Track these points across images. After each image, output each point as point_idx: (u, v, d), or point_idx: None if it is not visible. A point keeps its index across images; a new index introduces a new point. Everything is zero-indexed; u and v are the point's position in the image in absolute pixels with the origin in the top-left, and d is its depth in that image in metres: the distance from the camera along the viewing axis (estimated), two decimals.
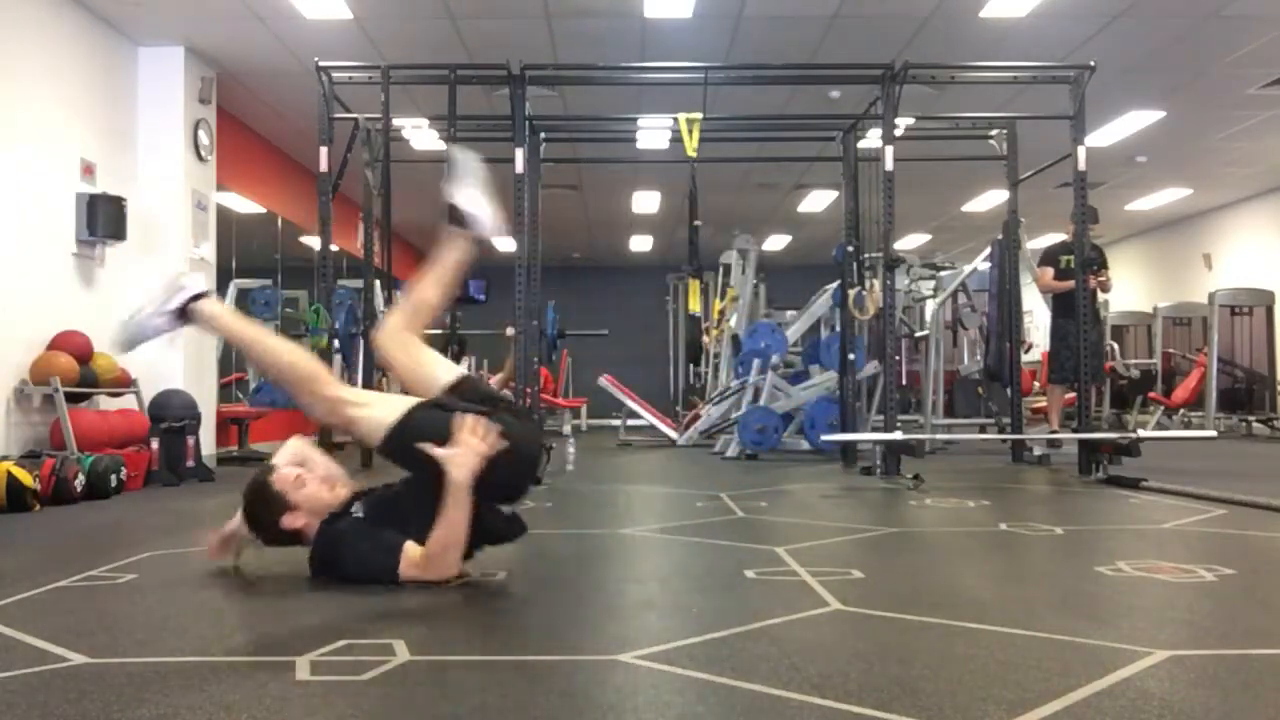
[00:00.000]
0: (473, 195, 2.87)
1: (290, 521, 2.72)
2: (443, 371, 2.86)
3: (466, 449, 2.50)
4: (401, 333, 2.90)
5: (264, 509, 2.76)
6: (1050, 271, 6.95)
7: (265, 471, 2.84)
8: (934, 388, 8.74)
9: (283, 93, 7.96)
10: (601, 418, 13.31)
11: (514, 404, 3.08)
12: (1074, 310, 6.44)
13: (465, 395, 2.76)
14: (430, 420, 2.59)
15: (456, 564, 2.58)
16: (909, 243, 14.70)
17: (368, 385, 7.07)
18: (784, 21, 6.76)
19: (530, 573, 3.04)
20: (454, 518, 2.51)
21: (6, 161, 5.58)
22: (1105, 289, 7.02)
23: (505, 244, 6.25)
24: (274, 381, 2.85)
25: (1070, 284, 6.57)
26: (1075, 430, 6.30)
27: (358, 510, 2.72)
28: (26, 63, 5.78)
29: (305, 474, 2.79)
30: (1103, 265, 6.88)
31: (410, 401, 2.71)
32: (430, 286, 2.93)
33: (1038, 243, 10.53)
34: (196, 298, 2.74)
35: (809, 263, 16.02)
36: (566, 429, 12.02)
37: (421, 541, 2.55)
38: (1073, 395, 6.88)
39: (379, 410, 2.68)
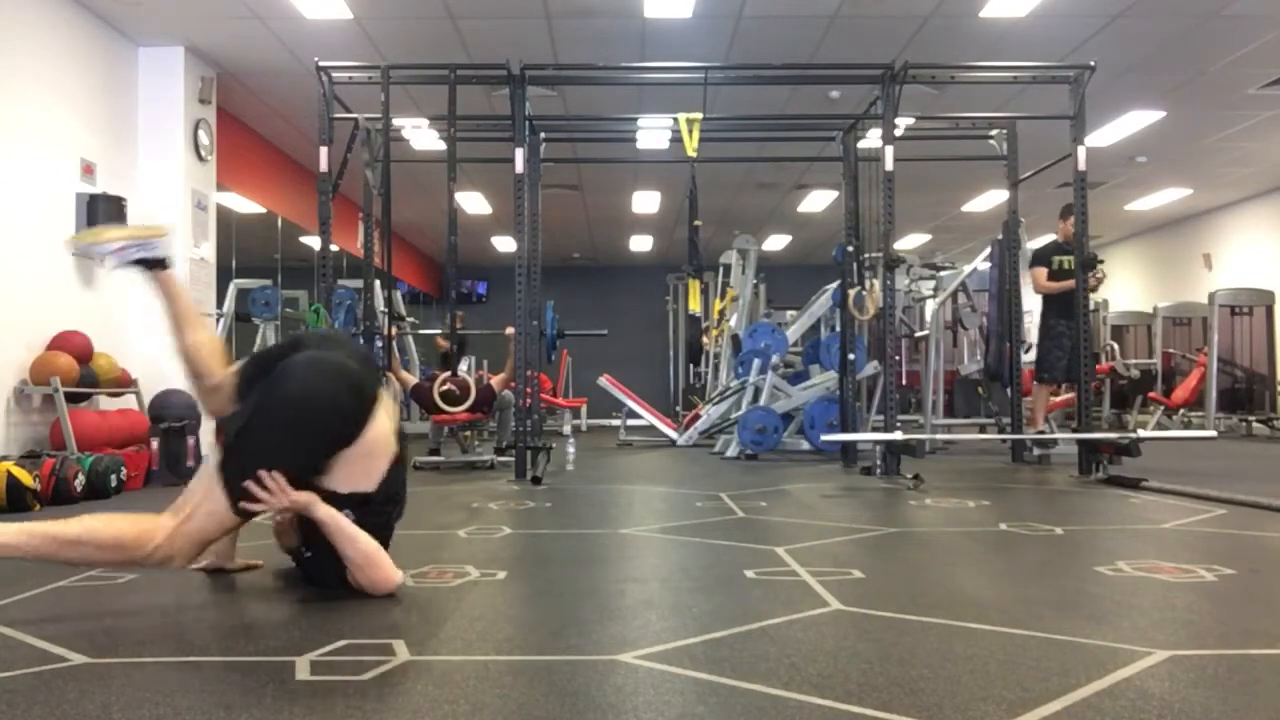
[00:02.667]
0: (108, 245, 2.65)
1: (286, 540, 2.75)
2: (228, 383, 2.66)
3: (279, 501, 2.43)
4: (209, 394, 2.71)
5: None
6: (1044, 272, 6.94)
7: None
8: (934, 388, 8.74)
9: (283, 93, 7.96)
10: (601, 418, 13.31)
11: (297, 340, 2.76)
12: (1066, 310, 6.44)
13: (249, 376, 2.60)
14: (236, 476, 2.46)
15: (389, 577, 2.50)
16: (909, 243, 14.71)
17: None
18: (784, 21, 6.76)
19: (530, 573, 3.04)
20: (346, 550, 2.46)
21: (6, 161, 5.58)
22: (1092, 288, 7.02)
23: (505, 244, 6.24)
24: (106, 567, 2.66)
25: (1067, 284, 6.57)
26: (1075, 430, 6.30)
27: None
28: (27, 62, 5.78)
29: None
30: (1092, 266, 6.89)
31: (210, 470, 2.51)
32: (180, 335, 2.76)
33: (1038, 243, 10.51)
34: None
35: (809, 263, 16.06)
36: (566, 429, 12.03)
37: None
38: (1068, 396, 6.88)
39: (203, 504, 2.50)
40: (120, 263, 2.64)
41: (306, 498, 2.45)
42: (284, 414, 2.48)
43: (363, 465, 2.53)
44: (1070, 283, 6.52)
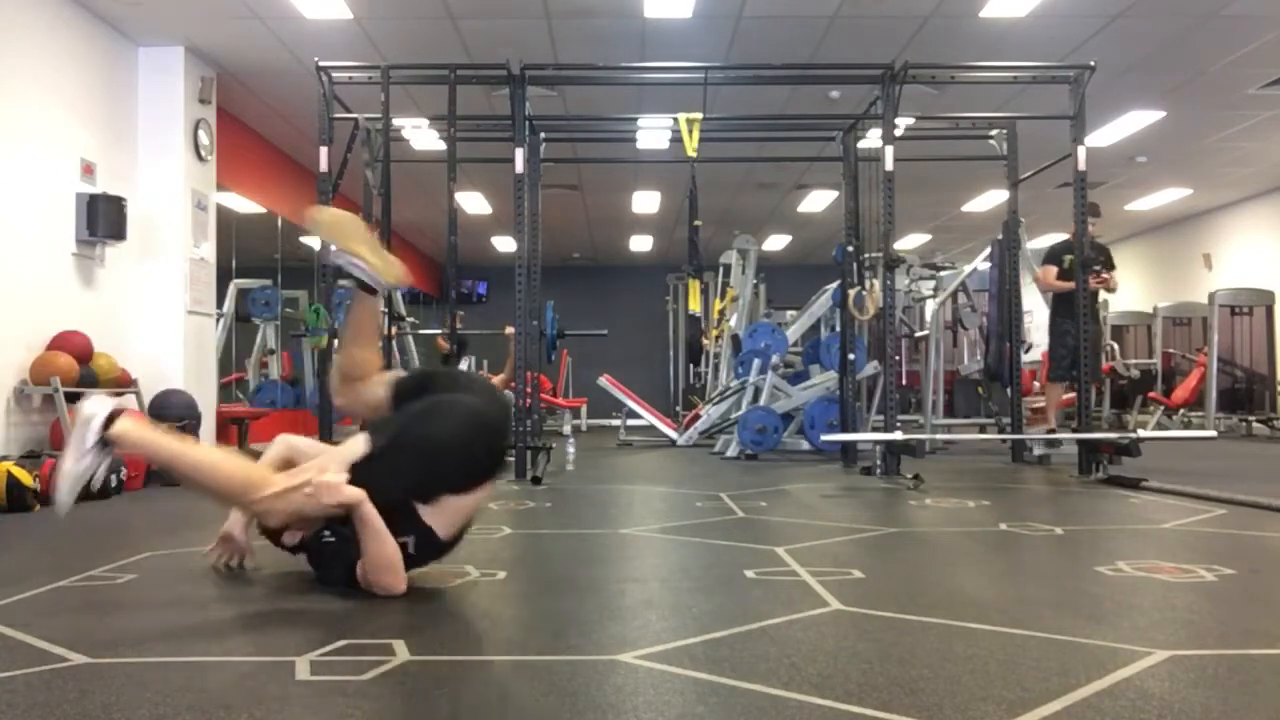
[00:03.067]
0: (346, 256, 2.78)
1: (289, 539, 2.76)
2: (381, 389, 2.86)
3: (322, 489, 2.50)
4: (346, 386, 2.92)
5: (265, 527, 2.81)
6: (1053, 270, 6.93)
7: None
8: (934, 388, 8.74)
9: (283, 93, 7.96)
10: (601, 417, 13.31)
11: (458, 376, 2.97)
12: (1072, 309, 6.44)
13: (403, 395, 2.78)
14: (359, 482, 2.55)
15: (398, 584, 2.53)
16: (909, 243, 14.70)
17: None
18: (784, 21, 6.76)
19: (530, 573, 3.04)
20: (371, 547, 2.51)
21: (6, 161, 5.58)
22: (1109, 289, 7.00)
23: (505, 244, 6.24)
24: (210, 499, 2.74)
25: (1071, 285, 6.57)
26: (1075, 430, 6.30)
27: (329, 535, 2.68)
28: (26, 62, 5.78)
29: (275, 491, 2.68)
30: (1109, 265, 6.87)
31: (343, 459, 2.63)
32: (351, 344, 2.92)
33: (1038, 243, 10.52)
34: (109, 421, 2.54)
35: (809, 263, 16.06)
36: (566, 429, 12.03)
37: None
38: (1072, 395, 6.88)
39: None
40: (342, 268, 2.80)
41: (358, 495, 2.49)
42: (430, 450, 2.61)
43: (453, 513, 2.64)
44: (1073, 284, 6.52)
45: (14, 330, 5.56)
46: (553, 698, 1.73)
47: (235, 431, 7.89)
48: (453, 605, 2.47)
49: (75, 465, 2.51)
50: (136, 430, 2.60)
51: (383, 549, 2.50)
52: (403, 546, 2.56)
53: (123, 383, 6.17)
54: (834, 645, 2.08)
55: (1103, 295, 7.42)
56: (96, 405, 2.57)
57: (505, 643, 2.15)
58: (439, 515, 2.60)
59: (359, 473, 2.56)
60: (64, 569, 2.95)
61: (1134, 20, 6.67)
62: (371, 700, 1.70)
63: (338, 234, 2.80)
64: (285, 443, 2.95)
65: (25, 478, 4.58)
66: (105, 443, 2.54)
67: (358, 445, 2.66)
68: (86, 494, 4.91)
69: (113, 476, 5.23)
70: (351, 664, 1.92)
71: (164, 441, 2.64)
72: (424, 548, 2.62)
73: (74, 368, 5.65)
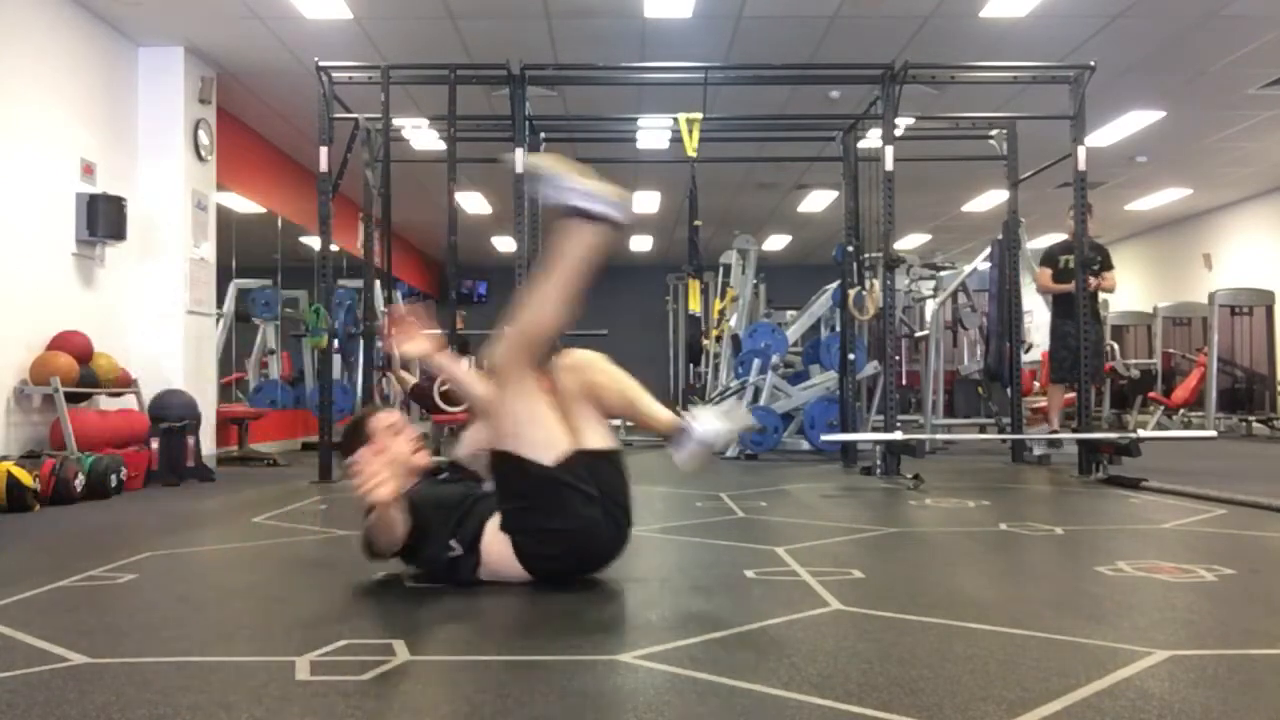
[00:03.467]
0: (578, 189, 2.46)
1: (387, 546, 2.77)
2: (595, 437, 2.66)
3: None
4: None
5: (351, 438, 2.85)
6: (1049, 272, 6.93)
7: (370, 409, 3.00)
8: (934, 388, 8.74)
9: (283, 93, 7.96)
10: None
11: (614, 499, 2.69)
12: (1072, 310, 6.44)
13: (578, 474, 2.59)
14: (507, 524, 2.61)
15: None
16: (909, 243, 14.70)
17: (367, 385, 7.09)
18: (784, 21, 6.76)
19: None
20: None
21: (6, 161, 5.58)
22: (1106, 289, 6.98)
23: (505, 244, 6.24)
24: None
25: (1068, 287, 6.57)
26: (1075, 430, 6.30)
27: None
28: (26, 62, 5.78)
29: (400, 426, 2.87)
30: (1106, 265, 6.87)
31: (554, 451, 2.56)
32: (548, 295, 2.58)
33: (1038, 243, 10.52)
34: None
35: (809, 263, 16.05)
36: None
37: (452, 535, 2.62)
38: (1072, 395, 6.88)
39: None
40: (569, 204, 2.44)
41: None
42: (548, 534, 2.58)
43: (495, 565, 2.64)
44: (1070, 286, 6.52)
45: (14, 330, 5.56)
46: (553, 698, 1.73)
47: (235, 432, 7.89)
48: (453, 605, 2.47)
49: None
50: None
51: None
52: (451, 550, 2.61)
53: (122, 383, 6.17)
54: (834, 645, 2.08)
55: (1102, 296, 7.40)
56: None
57: (505, 643, 2.15)
58: (491, 550, 2.60)
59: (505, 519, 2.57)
60: (64, 569, 2.95)
61: (1134, 20, 6.67)
62: (371, 700, 1.70)
63: (562, 167, 2.48)
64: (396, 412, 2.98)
65: (25, 478, 4.58)
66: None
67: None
68: (87, 494, 4.94)
69: (113, 476, 5.24)
70: (351, 664, 1.92)
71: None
72: (454, 563, 2.61)
73: (74, 368, 5.65)
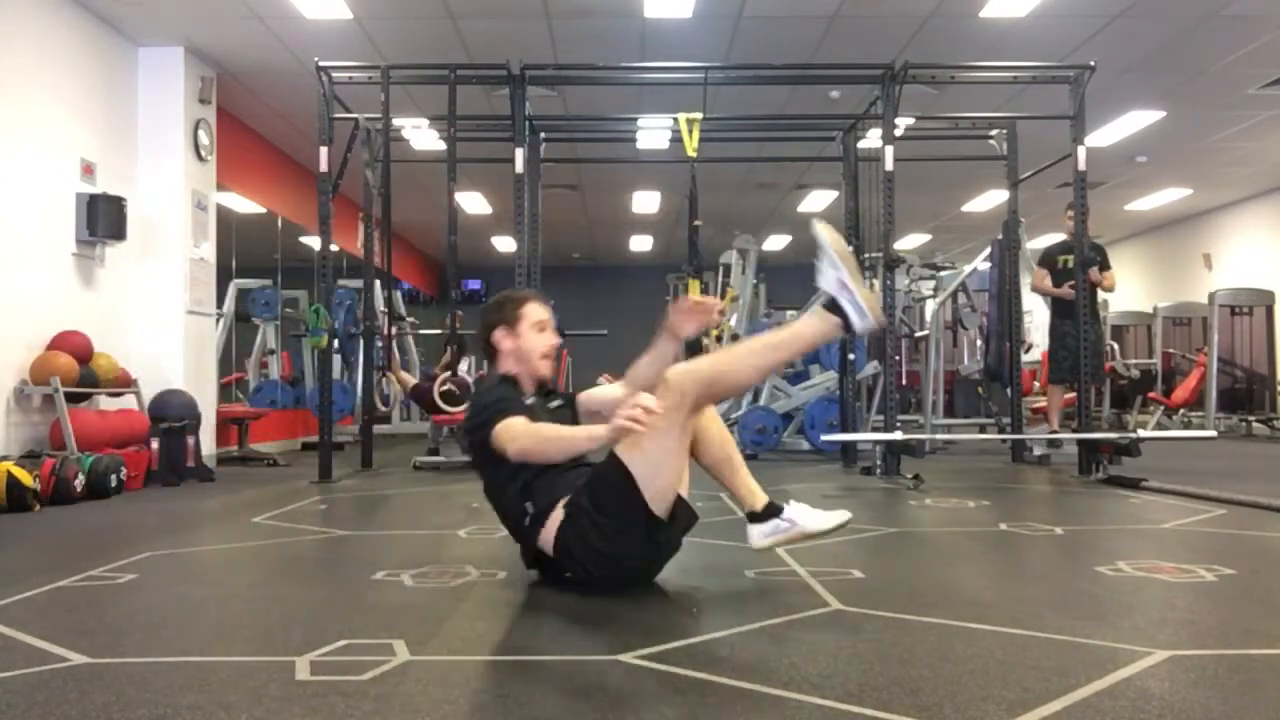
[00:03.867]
0: (842, 282, 2.55)
1: (498, 338, 2.78)
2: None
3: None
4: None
5: (492, 311, 2.82)
6: (1046, 274, 6.92)
7: (528, 294, 2.93)
8: (934, 388, 8.74)
9: (283, 93, 7.96)
10: None
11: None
12: (1071, 311, 6.43)
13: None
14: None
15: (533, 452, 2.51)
16: (909, 243, 14.70)
17: (368, 386, 7.09)
18: (784, 21, 6.76)
19: (530, 573, 3.04)
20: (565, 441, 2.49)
21: (6, 161, 5.58)
22: (1105, 288, 6.96)
23: (505, 244, 6.23)
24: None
25: (1064, 291, 6.57)
26: (1075, 430, 6.30)
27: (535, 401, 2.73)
28: (26, 63, 5.78)
29: (548, 329, 2.81)
30: (1104, 265, 6.87)
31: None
32: (758, 354, 2.60)
33: (1038, 243, 10.53)
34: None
35: (809, 263, 15.99)
36: None
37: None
38: (1072, 395, 6.87)
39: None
40: (831, 293, 2.56)
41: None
42: (608, 534, 2.53)
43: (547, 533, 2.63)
44: (1067, 290, 6.51)
45: (14, 330, 5.56)
46: (553, 698, 1.73)
47: (235, 432, 7.89)
48: (453, 605, 2.47)
49: None
50: None
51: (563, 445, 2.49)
52: (524, 508, 2.60)
53: (123, 383, 6.17)
54: (834, 645, 2.08)
55: (1101, 295, 7.40)
56: None
57: (505, 643, 2.15)
58: (548, 530, 2.58)
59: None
60: (64, 569, 2.95)
61: (1134, 20, 6.66)
62: (371, 700, 1.70)
63: (848, 260, 2.55)
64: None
65: (25, 478, 4.58)
66: None
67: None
68: (87, 494, 4.94)
69: (112, 476, 5.24)
70: (351, 664, 1.92)
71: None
72: (528, 520, 2.61)
73: (74, 368, 5.65)
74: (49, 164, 5.96)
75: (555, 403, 2.85)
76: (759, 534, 2.67)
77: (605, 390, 2.91)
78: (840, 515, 2.67)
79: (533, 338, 2.79)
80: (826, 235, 2.61)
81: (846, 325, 2.53)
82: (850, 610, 2.38)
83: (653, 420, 2.22)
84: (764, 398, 8.01)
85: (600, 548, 2.51)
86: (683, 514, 2.62)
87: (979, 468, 6.77)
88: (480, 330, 2.86)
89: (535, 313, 2.82)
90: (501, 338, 2.81)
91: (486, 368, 2.83)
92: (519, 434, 2.50)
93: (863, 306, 2.52)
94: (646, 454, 2.43)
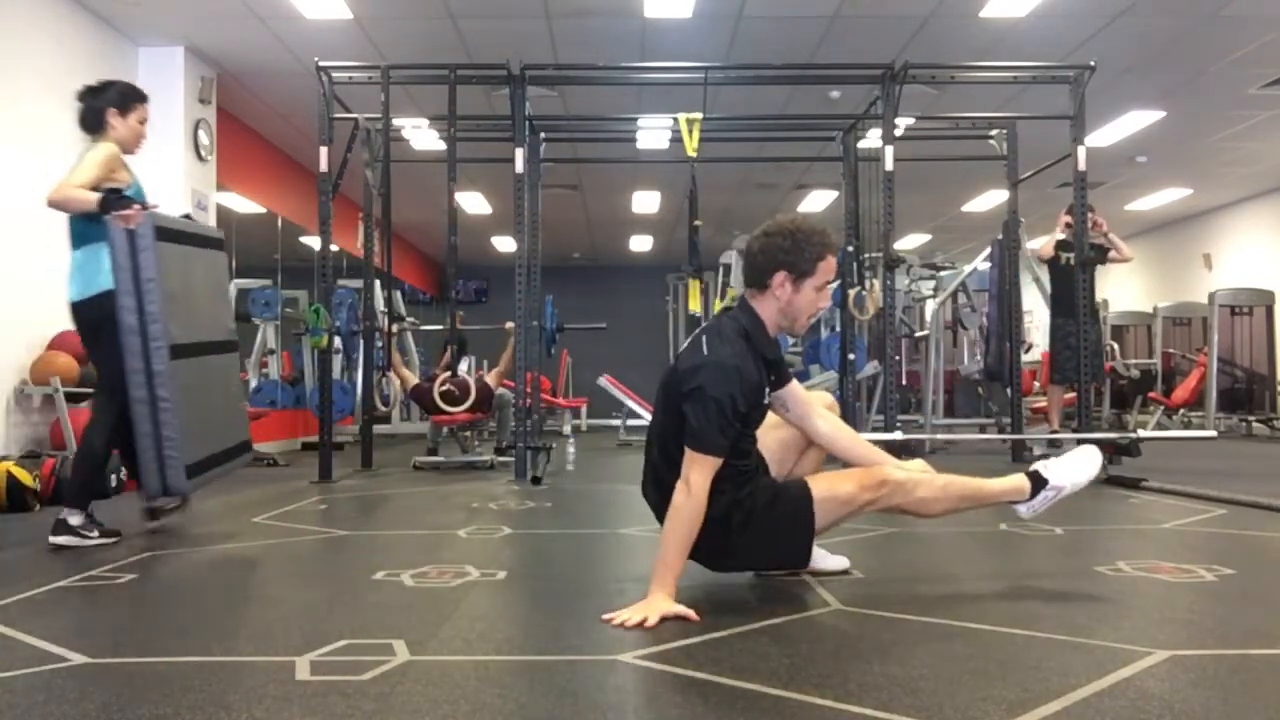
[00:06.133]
0: (1065, 488, 2.77)
1: (779, 282, 2.47)
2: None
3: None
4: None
5: (787, 244, 2.46)
6: (1050, 246, 6.93)
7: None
8: (934, 388, 8.73)
9: (283, 93, 7.96)
10: (601, 418, 13.30)
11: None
12: (1071, 309, 6.44)
13: None
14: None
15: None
16: (909, 243, 14.70)
17: (367, 384, 7.08)
18: (784, 21, 6.76)
19: (530, 573, 3.04)
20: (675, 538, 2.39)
21: (7, 161, 5.58)
22: (1124, 256, 7.06)
23: (505, 244, 6.23)
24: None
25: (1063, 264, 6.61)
26: (1075, 430, 6.30)
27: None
28: (27, 62, 5.77)
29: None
30: (1102, 260, 6.87)
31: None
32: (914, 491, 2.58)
33: (1037, 243, 10.53)
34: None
35: None
36: (567, 429, 12.03)
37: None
38: (1072, 395, 6.87)
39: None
40: (1045, 480, 2.80)
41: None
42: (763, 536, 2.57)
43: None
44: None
45: (14, 330, 5.56)
46: (553, 698, 1.73)
47: None
48: (453, 605, 2.47)
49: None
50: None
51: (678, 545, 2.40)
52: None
53: None
54: (834, 645, 2.08)
55: (1100, 295, 7.41)
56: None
57: (505, 643, 2.15)
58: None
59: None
60: (64, 569, 2.95)
61: (1134, 20, 6.67)
62: (371, 700, 1.70)
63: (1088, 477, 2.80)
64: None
65: (25, 478, 4.58)
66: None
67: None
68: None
69: (113, 476, 5.23)
70: (351, 664, 1.92)
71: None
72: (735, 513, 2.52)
73: (74, 368, 5.65)
74: (49, 164, 5.95)
75: (770, 393, 2.60)
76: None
77: (805, 397, 2.73)
78: (841, 561, 2.83)
79: (813, 298, 2.52)
80: (1096, 470, 2.84)
81: (1027, 499, 2.78)
82: (850, 610, 2.37)
83: (849, 492, 2.51)
84: None
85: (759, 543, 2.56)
86: None
87: (979, 468, 6.75)
88: (759, 256, 2.50)
89: (830, 270, 2.52)
90: (783, 283, 2.47)
91: (744, 292, 2.55)
92: (695, 501, 2.35)
93: (1041, 512, 2.80)
94: (830, 517, 2.55)
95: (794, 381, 2.68)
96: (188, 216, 4.31)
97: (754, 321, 2.52)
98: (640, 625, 2.19)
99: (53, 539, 3.39)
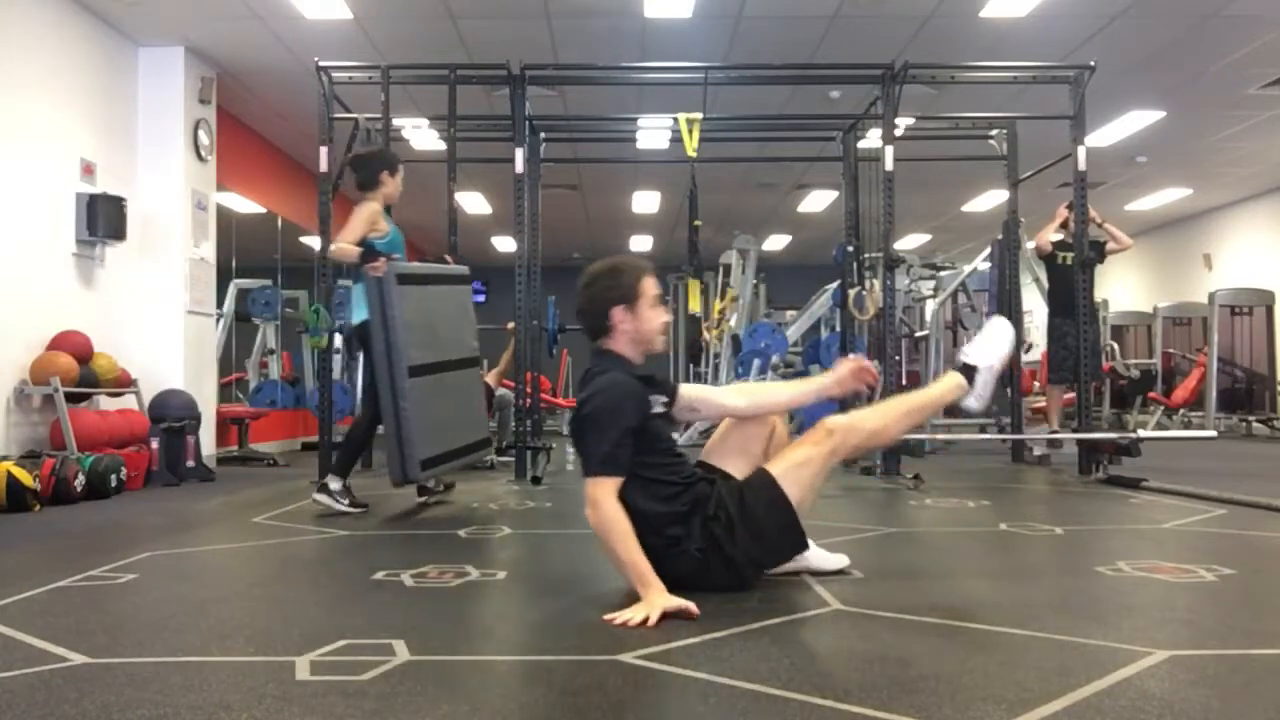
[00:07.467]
0: (990, 366, 2.78)
1: (618, 319, 2.61)
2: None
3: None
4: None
5: (607, 284, 2.66)
6: (1047, 238, 6.93)
7: (639, 267, 2.71)
8: None
9: (283, 93, 7.96)
10: None
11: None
12: (1070, 309, 6.43)
13: None
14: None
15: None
16: (909, 243, 14.70)
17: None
18: (784, 21, 6.76)
19: (530, 573, 3.04)
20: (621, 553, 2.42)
21: (7, 161, 5.59)
22: (1124, 245, 7.08)
23: (505, 244, 6.23)
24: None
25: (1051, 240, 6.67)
26: (1075, 430, 6.30)
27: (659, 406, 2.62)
28: (27, 63, 5.78)
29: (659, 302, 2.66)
30: (1101, 258, 6.88)
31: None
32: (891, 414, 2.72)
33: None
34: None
35: (809, 263, 16.03)
36: (566, 429, 12.02)
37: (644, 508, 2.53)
38: (1072, 395, 6.87)
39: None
40: (972, 367, 2.77)
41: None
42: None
43: None
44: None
45: (14, 330, 5.56)
46: (552, 698, 1.73)
47: (235, 431, 7.89)
48: (453, 605, 2.47)
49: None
50: None
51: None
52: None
53: (123, 383, 6.17)
54: (834, 645, 2.08)
55: (1100, 295, 7.41)
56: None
57: (505, 643, 2.15)
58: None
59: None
60: (64, 569, 2.95)
61: (1134, 20, 6.67)
62: (371, 700, 1.70)
63: (1006, 347, 2.84)
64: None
65: (25, 478, 4.58)
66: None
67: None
68: (87, 494, 4.94)
69: (112, 476, 5.24)
70: (351, 664, 1.92)
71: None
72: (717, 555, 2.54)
73: (74, 368, 5.65)
74: (49, 164, 5.96)
75: (662, 401, 2.68)
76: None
77: (706, 391, 2.89)
78: (841, 560, 2.83)
79: (652, 316, 2.64)
80: (1010, 336, 2.89)
81: (969, 390, 2.78)
82: (850, 610, 2.37)
83: (804, 454, 2.55)
84: None
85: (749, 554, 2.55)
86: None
87: (979, 468, 6.77)
88: (590, 305, 2.65)
89: (653, 287, 2.66)
90: (621, 318, 2.61)
91: (594, 347, 2.69)
92: (606, 516, 2.42)
93: (987, 396, 2.80)
94: (803, 485, 2.55)
95: (682, 385, 2.81)
96: (444, 260, 5.12)
97: (616, 361, 2.65)
98: (643, 624, 2.19)
99: (315, 497, 4.35)
